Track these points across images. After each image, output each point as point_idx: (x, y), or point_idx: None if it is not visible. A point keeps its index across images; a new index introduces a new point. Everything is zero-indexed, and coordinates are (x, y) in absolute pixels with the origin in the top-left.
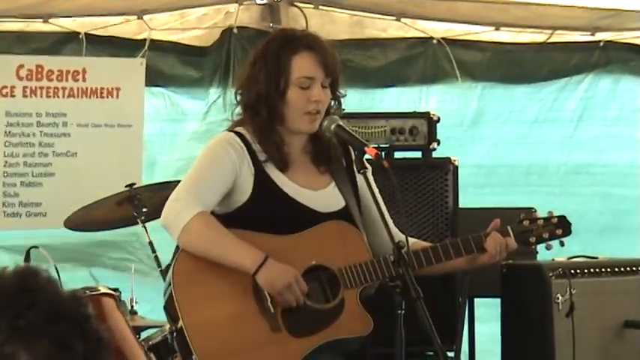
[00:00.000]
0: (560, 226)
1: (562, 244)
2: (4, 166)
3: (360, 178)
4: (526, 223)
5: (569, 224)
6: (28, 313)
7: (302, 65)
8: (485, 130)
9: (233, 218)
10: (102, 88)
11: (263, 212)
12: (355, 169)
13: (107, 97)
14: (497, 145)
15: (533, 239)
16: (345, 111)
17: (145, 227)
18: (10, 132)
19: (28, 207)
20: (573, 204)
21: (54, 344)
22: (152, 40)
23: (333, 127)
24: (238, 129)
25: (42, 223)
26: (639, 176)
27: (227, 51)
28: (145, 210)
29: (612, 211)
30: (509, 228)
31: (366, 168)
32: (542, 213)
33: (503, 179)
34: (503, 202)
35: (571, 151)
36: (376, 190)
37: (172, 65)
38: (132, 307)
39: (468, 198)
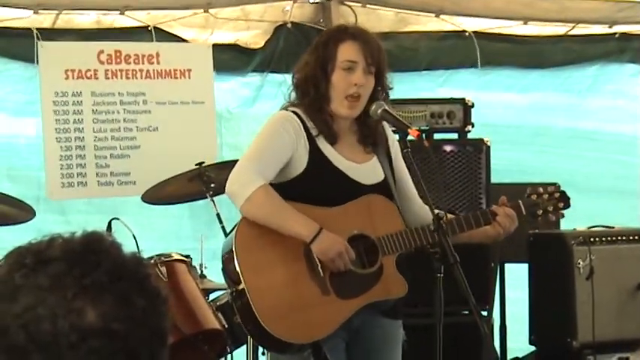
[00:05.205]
0: (561, 200)
1: (562, 215)
2: (94, 140)
3: (394, 154)
4: (533, 197)
5: (569, 198)
6: (94, 273)
7: (346, 51)
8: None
9: (286, 188)
10: (175, 70)
11: (314, 184)
12: (397, 147)
13: (180, 77)
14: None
15: (540, 212)
16: (390, 97)
17: (213, 201)
18: (96, 110)
19: (119, 176)
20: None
21: (117, 300)
22: (214, 45)
23: (379, 111)
24: (292, 108)
25: (132, 190)
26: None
27: (280, 43)
28: (212, 185)
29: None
30: (520, 203)
31: (408, 148)
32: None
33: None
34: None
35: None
36: (416, 168)
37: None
38: (201, 271)
39: None
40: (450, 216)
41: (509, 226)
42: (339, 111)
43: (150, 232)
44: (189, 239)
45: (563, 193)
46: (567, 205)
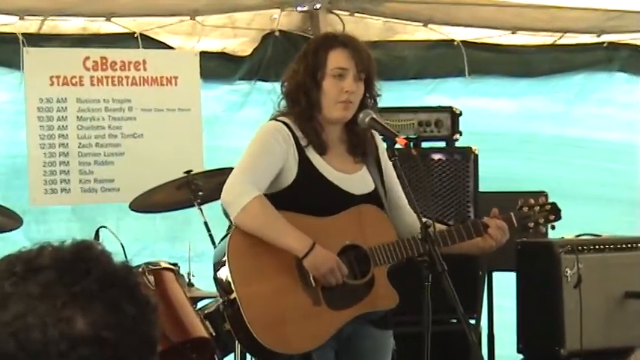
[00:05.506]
0: (552, 212)
1: (553, 227)
2: (79, 147)
3: (384, 163)
4: (525, 209)
5: (560, 210)
6: (83, 281)
7: (337, 58)
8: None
9: (277, 198)
10: (161, 77)
11: (304, 194)
12: (387, 156)
13: (167, 84)
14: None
15: (531, 224)
16: (378, 105)
17: (200, 209)
18: (81, 117)
19: (103, 183)
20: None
21: (107, 308)
22: (201, 52)
23: (367, 119)
24: (282, 118)
25: (116, 197)
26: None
27: (268, 51)
28: (200, 194)
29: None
30: (512, 215)
31: (396, 156)
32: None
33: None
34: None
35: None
36: (404, 177)
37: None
38: (189, 279)
39: None
40: (439, 225)
41: (501, 238)
42: (333, 114)
43: (124, 234)
44: (163, 240)
45: (554, 204)
46: (558, 217)
